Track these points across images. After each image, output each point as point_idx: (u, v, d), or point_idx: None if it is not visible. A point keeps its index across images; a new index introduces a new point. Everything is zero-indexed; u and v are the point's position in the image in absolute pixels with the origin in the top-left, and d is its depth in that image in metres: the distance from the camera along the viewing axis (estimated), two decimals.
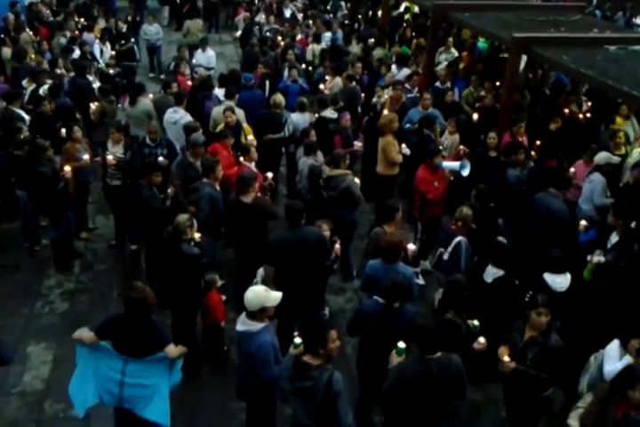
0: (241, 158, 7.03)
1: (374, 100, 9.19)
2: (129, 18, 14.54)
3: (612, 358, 4.48)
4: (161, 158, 7.22)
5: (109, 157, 7.05)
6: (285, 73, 10.32)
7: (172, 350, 4.24)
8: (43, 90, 8.76)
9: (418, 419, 4.05)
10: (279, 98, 8.34)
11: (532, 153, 7.39)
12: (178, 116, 8.04)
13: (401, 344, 4.18)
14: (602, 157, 6.92)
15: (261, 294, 4.23)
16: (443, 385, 3.93)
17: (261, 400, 4.48)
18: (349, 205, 6.61)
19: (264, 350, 4.15)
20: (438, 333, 3.98)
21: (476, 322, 4.67)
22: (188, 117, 8.05)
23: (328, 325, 4.02)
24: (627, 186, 6.80)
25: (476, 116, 8.51)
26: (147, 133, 7.59)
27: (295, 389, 3.87)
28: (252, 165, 6.98)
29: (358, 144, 8.01)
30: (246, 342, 4.24)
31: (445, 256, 5.69)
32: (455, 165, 7.06)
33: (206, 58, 11.83)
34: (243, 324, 4.27)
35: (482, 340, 4.48)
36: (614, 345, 4.55)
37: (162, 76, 9.95)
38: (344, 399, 3.85)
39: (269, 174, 7.03)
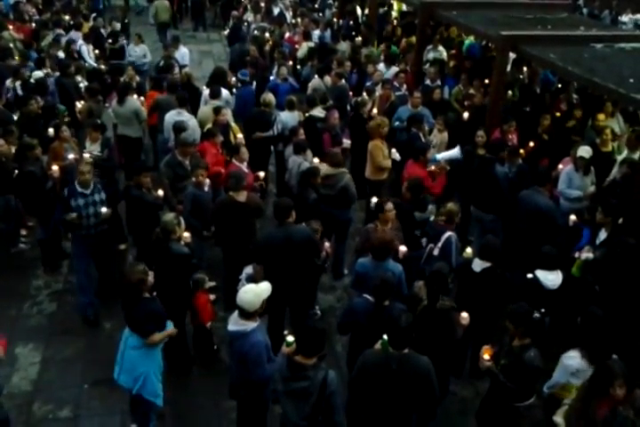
0: (233, 159, 6.96)
1: (363, 96, 9.16)
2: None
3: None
4: (104, 209, 5.97)
5: (86, 155, 7.02)
6: (274, 70, 10.31)
7: (152, 338, 4.59)
8: (35, 76, 8.73)
9: (384, 413, 4.03)
10: (269, 97, 8.31)
11: (521, 151, 7.42)
12: (182, 118, 7.78)
13: (387, 337, 4.16)
14: (582, 149, 6.92)
15: (257, 291, 4.25)
16: (403, 381, 3.91)
17: (254, 399, 4.47)
18: (345, 203, 6.62)
19: (257, 350, 4.16)
20: (409, 331, 3.97)
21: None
22: (193, 120, 7.93)
23: (322, 327, 3.98)
24: (614, 182, 6.85)
25: (466, 115, 8.52)
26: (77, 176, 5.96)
27: (289, 390, 3.85)
28: (244, 166, 6.91)
29: (347, 142, 8.02)
30: (239, 341, 4.23)
31: (435, 252, 5.71)
32: (454, 152, 7.10)
33: (180, 55, 11.74)
34: (235, 324, 4.26)
35: (464, 315, 4.51)
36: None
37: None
38: (339, 397, 3.86)
39: (261, 174, 6.99)
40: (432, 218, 6.00)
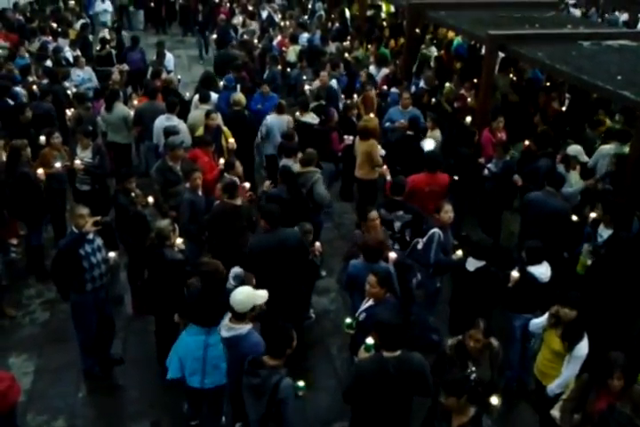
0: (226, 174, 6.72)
1: (352, 99, 9.16)
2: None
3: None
4: (112, 254, 5.53)
5: (77, 162, 6.99)
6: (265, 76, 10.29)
7: None
8: None
9: (385, 417, 3.99)
10: (239, 96, 8.36)
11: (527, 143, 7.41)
12: (172, 123, 7.69)
13: (369, 340, 4.13)
14: (573, 148, 6.86)
15: (250, 293, 4.27)
16: (402, 383, 3.89)
17: None
18: (315, 203, 6.58)
19: (259, 349, 4.13)
20: (402, 329, 3.94)
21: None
22: (183, 125, 7.88)
23: (291, 329, 3.94)
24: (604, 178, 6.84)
25: (469, 119, 8.34)
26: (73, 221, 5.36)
27: (245, 384, 3.87)
28: (237, 180, 6.56)
29: (350, 138, 7.97)
30: (238, 345, 4.19)
31: (419, 246, 5.78)
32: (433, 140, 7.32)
33: (165, 61, 11.69)
34: (228, 330, 4.22)
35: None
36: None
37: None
38: (292, 408, 3.74)
39: (247, 184, 6.83)
40: (398, 223, 5.92)
